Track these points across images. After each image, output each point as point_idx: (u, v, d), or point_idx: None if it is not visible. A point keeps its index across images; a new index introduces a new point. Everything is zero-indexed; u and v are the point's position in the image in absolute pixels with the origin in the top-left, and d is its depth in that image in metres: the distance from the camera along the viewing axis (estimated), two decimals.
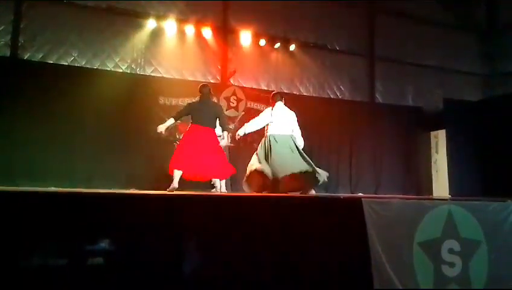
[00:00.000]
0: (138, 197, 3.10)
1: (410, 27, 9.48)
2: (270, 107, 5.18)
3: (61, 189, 4.78)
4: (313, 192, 4.88)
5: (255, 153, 5.04)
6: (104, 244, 2.69)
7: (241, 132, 5.20)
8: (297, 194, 4.76)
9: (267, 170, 4.74)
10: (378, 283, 3.30)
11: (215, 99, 5.27)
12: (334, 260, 3.24)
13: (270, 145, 4.90)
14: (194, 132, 4.85)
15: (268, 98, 5.51)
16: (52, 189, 4.72)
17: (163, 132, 4.98)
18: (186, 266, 2.84)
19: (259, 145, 5.08)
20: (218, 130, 5.13)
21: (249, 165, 4.98)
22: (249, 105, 7.79)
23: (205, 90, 5.04)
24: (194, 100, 5.31)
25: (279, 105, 5.14)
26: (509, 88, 9.22)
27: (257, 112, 6.01)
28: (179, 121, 5.32)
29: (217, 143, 4.95)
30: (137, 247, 2.75)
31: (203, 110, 4.93)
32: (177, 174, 4.66)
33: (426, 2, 9.56)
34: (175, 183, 4.61)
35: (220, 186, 5.03)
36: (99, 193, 3.21)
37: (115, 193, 3.45)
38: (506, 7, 9.70)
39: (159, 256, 2.78)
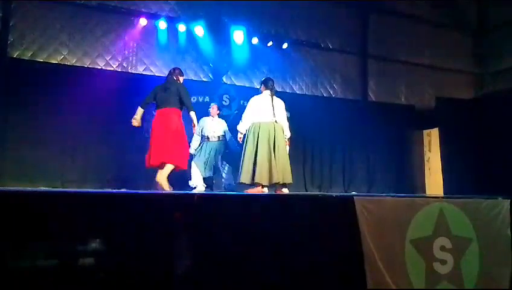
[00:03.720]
0: (130, 196, 3.07)
1: (403, 26, 9.53)
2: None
3: (51, 188, 4.73)
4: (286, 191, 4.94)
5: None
6: (95, 244, 2.66)
7: None
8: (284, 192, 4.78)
9: None
10: (371, 282, 3.30)
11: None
12: (326, 259, 3.23)
13: None
14: (157, 118, 4.69)
15: None
16: (42, 188, 4.67)
17: (139, 124, 4.83)
18: (179, 266, 2.81)
19: None
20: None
21: None
22: (241, 103, 7.77)
23: (170, 71, 5.00)
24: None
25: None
26: (500, 86, 9.31)
27: None
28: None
29: (176, 125, 4.63)
30: (128, 247, 2.72)
31: (165, 91, 4.74)
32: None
33: (418, 1, 9.61)
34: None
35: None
36: (90, 193, 3.18)
37: (106, 193, 3.42)
38: (496, 6, 9.78)
39: (151, 256, 2.75)
